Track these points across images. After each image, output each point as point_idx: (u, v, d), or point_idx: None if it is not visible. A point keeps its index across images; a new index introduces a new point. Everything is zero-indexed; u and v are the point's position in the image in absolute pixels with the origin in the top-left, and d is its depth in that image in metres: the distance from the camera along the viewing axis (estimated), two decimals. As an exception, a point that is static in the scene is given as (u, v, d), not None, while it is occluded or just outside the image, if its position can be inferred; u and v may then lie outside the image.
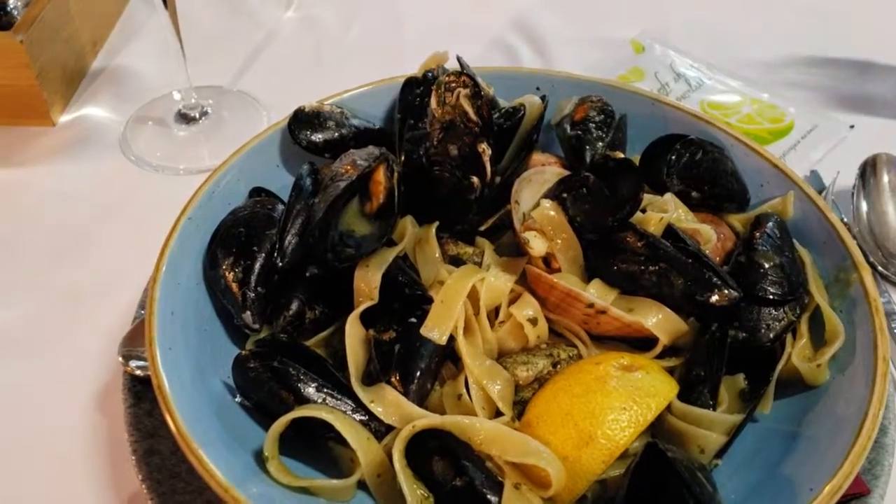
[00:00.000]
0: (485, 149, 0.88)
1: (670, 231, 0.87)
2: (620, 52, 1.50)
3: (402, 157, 0.99)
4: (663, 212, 0.87)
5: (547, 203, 0.89)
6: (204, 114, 1.34)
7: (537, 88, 1.10)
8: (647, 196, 0.91)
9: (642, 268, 0.83)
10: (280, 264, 0.86)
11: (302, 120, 1.01)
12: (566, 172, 0.95)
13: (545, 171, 0.95)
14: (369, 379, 0.81)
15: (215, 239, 0.90)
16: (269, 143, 1.02)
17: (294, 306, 0.87)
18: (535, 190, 0.94)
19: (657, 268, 0.82)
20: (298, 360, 0.80)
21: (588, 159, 0.96)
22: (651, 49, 1.50)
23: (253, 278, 0.86)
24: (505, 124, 0.94)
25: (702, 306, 0.81)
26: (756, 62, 1.50)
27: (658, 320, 0.82)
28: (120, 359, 0.89)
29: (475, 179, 0.89)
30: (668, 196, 0.91)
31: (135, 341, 0.91)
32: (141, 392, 0.87)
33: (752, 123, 1.32)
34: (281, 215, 0.91)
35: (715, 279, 0.81)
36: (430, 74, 1.05)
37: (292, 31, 1.60)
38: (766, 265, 0.85)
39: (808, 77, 1.47)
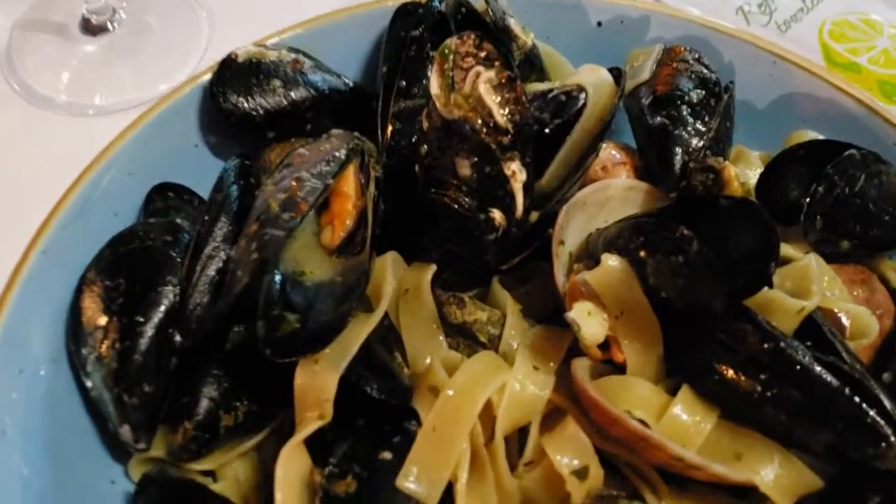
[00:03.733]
0: (515, 171, 0.53)
1: (810, 322, 0.53)
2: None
3: (387, 137, 0.65)
4: (802, 292, 0.53)
5: (613, 261, 0.55)
6: (118, 19, 0.95)
7: (598, 24, 0.73)
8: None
9: (762, 390, 0.51)
10: (180, 342, 0.54)
11: (232, 77, 0.65)
12: (639, 185, 0.61)
13: (608, 186, 0.61)
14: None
15: (82, 293, 0.57)
16: (182, 110, 0.67)
17: (202, 409, 0.56)
18: (590, 216, 0.60)
19: (788, 394, 0.50)
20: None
21: (678, 166, 0.61)
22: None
23: (135, 370, 0.54)
24: (551, 124, 0.58)
25: (857, 465, 0.50)
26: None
27: (778, 476, 0.51)
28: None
29: (497, 214, 0.55)
30: (811, 259, 0.56)
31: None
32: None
33: (891, 67, 0.93)
34: (186, 250, 0.58)
35: (880, 424, 0.49)
36: (434, 2, 0.68)
37: None
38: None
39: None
